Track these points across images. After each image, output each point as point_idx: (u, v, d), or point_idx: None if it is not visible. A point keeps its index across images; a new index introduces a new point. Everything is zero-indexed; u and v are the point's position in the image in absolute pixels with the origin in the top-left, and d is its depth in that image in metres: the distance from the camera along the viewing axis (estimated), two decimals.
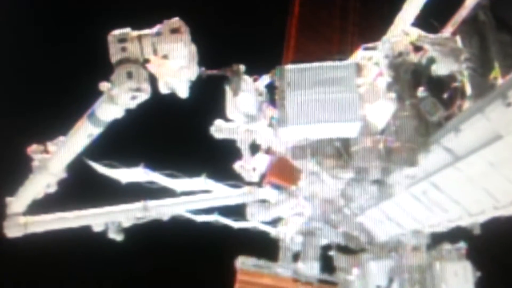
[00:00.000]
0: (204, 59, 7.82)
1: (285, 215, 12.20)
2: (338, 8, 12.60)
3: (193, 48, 7.61)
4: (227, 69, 8.17)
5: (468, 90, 7.72)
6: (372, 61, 8.95)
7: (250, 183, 10.86)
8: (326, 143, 8.92)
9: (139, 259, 17.75)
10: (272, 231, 13.62)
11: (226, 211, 12.54)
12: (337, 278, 12.49)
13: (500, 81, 7.17)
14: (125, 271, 18.20)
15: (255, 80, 8.54)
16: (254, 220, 11.89)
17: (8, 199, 9.40)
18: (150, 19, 7.48)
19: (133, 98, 7.35)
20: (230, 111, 8.48)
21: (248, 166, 10.31)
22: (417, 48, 8.67)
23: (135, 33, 7.29)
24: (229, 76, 8.17)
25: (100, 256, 15.17)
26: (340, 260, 12.32)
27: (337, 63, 8.14)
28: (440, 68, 8.07)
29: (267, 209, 11.10)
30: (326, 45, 12.08)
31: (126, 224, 10.38)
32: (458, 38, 7.97)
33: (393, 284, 10.71)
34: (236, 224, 13.15)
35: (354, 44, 11.22)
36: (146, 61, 7.33)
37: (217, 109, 8.88)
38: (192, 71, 7.72)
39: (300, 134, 8.44)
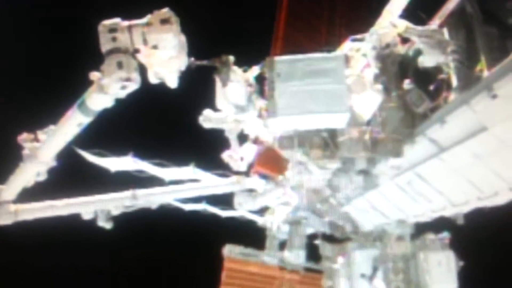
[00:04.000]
0: (194, 50, 7.85)
1: (272, 204, 12.27)
2: None
3: (183, 38, 7.62)
4: (216, 60, 8.18)
5: (454, 82, 7.78)
6: (359, 53, 9.01)
7: (238, 173, 10.94)
8: (313, 134, 8.98)
9: (128, 247, 17.80)
10: (259, 220, 13.70)
11: (214, 200, 12.65)
12: (323, 267, 12.57)
13: (485, 73, 7.21)
14: (114, 258, 18.25)
15: (244, 71, 8.59)
16: (242, 209, 11.94)
17: None
18: (140, 9, 7.48)
19: (123, 87, 7.33)
20: (219, 101, 8.51)
21: (236, 155, 10.40)
22: (404, 40, 8.73)
23: (125, 23, 7.26)
24: (218, 66, 8.19)
25: (89, 244, 15.21)
26: (325, 249, 12.40)
27: (326, 54, 8.19)
28: (427, 60, 8.11)
29: (254, 199, 11.18)
30: (315, 36, 12.07)
31: (115, 212, 10.42)
32: (445, 31, 8.02)
33: (378, 273, 10.80)
34: (224, 213, 13.22)
35: (342, 35, 11.23)
36: (136, 51, 7.33)
37: (206, 99, 8.93)
38: (181, 61, 7.73)
39: (289, 125, 8.48)
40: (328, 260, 12.33)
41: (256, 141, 10.50)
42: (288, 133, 9.00)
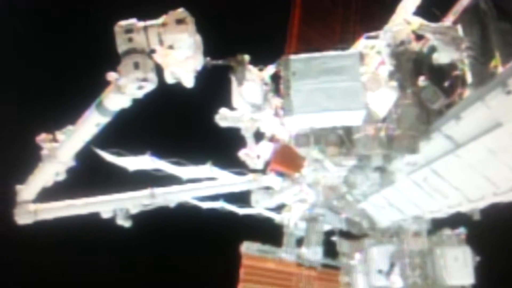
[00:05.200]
0: (209, 49, 7.90)
1: (289, 201, 12.29)
2: None
3: (198, 38, 7.65)
4: (232, 59, 8.23)
5: (469, 78, 7.83)
6: (374, 50, 9.04)
7: (254, 171, 10.97)
8: (329, 131, 8.99)
9: (147, 245, 17.93)
10: (276, 217, 13.70)
11: (231, 198, 12.68)
12: (340, 263, 12.58)
13: (500, 69, 7.27)
14: (133, 256, 18.37)
15: (260, 69, 8.64)
16: (259, 207, 11.98)
17: (18, 187, 9.54)
18: (156, 10, 7.55)
19: (140, 88, 7.39)
20: (235, 100, 8.56)
21: (253, 153, 10.41)
22: (419, 37, 8.76)
23: (141, 23, 7.32)
24: (234, 66, 8.23)
25: (109, 242, 15.30)
26: (342, 245, 12.41)
27: (341, 52, 8.21)
28: (441, 57, 8.17)
29: (271, 196, 11.20)
30: (329, 34, 12.11)
31: (134, 210, 10.49)
32: (459, 27, 8.05)
33: (394, 269, 10.81)
34: (241, 211, 13.26)
35: (356, 32, 11.26)
36: (152, 51, 7.38)
37: (222, 99, 8.99)
38: (197, 61, 7.76)
39: (305, 123, 8.53)
40: (345, 257, 12.34)
41: (272, 139, 10.53)
42: (304, 131, 9.04)
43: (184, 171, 10.95)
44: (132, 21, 7.34)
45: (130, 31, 7.27)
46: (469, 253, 10.07)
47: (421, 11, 8.72)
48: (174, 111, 15.31)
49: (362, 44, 9.17)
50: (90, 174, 9.96)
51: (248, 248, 13.45)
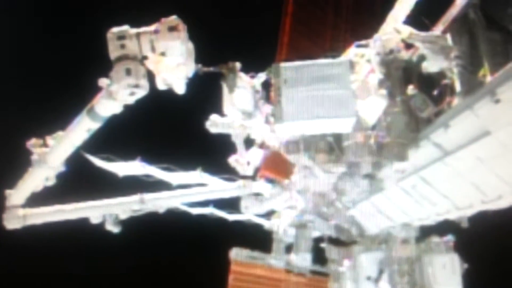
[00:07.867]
0: (201, 56, 7.95)
1: (278, 208, 12.28)
2: (331, 5, 12.68)
3: (190, 45, 7.73)
4: (223, 66, 8.27)
5: (458, 87, 7.88)
6: (364, 58, 9.09)
7: (244, 177, 10.97)
8: (318, 138, 9.05)
9: (136, 250, 17.85)
10: (266, 223, 13.69)
11: (221, 204, 12.66)
12: (329, 270, 12.61)
13: (488, 78, 7.32)
14: (122, 262, 18.29)
15: (251, 77, 8.68)
16: (248, 213, 11.97)
17: (8, 192, 9.52)
18: (148, 17, 7.59)
19: (132, 94, 7.44)
20: (226, 107, 8.61)
21: (243, 160, 10.42)
22: (408, 46, 8.82)
23: (134, 30, 7.38)
24: (225, 73, 8.27)
25: (98, 248, 15.25)
26: (331, 252, 12.42)
27: (331, 60, 8.26)
28: (431, 65, 8.22)
29: (261, 202, 11.19)
30: (319, 41, 12.16)
31: (123, 216, 10.47)
32: (448, 36, 8.12)
33: (383, 275, 10.86)
34: (231, 217, 13.25)
35: (346, 41, 11.31)
36: (144, 58, 7.43)
37: (213, 105, 9.02)
38: (189, 68, 7.82)
39: (296, 130, 8.58)
40: (334, 263, 12.36)
41: (262, 145, 10.56)
42: (294, 138, 9.09)
43: (174, 177, 10.95)
44: (125, 27, 7.39)
45: (122, 37, 7.33)
46: (457, 260, 10.11)
47: (411, 20, 8.79)
48: (165, 117, 15.30)
49: (352, 52, 9.23)
50: (80, 180, 9.94)
51: (237, 254, 13.44)
